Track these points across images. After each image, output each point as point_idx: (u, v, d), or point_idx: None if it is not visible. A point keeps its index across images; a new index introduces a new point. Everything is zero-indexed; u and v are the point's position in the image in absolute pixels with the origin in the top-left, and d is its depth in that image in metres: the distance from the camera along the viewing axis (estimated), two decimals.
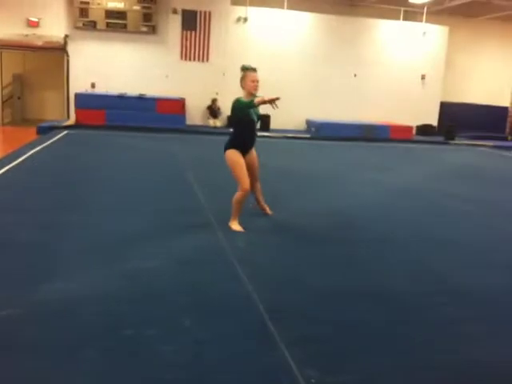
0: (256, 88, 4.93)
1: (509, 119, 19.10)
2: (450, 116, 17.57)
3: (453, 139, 16.52)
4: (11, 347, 2.68)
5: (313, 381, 2.45)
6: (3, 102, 15.51)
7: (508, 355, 2.90)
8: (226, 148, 5.04)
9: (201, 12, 15.69)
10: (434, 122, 18.01)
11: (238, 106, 4.90)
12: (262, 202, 5.59)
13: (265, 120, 15.43)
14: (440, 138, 16.73)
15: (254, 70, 4.95)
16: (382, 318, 3.28)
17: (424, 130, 17.53)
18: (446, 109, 18.07)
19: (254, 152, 5.22)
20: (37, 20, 14.87)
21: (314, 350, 2.81)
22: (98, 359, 2.59)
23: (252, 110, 4.97)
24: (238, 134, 5.04)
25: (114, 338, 2.81)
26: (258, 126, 5.26)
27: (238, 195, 5.01)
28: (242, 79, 4.96)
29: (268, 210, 5.62)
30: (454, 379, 2.64)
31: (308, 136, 15.51)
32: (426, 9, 17.16)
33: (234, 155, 4.97)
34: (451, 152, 14.24)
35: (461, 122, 17.32)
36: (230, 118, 14.02)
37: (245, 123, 4.98)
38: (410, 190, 7.93)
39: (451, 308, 3.50)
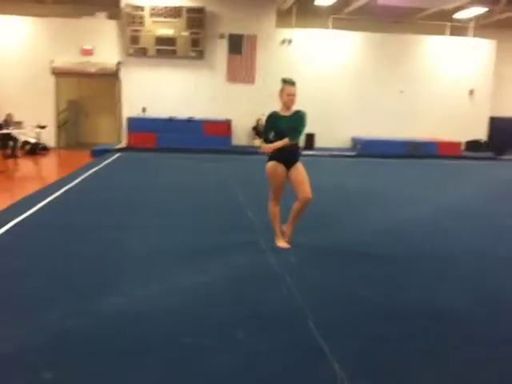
0: (292, 102, 4.99)
1: None
2: (500, 131, 17.18)
3: (503, 155, 16.13)
4: (76, 352, 2.87)
5: None
6: (59, 127, 16.28)
7: None
8: (267, 161, 5.12)
9: (247, 36, 16.08)
10: (484, 138, 17.65)
11: (265, 122, 5.18)
12: (291, 227, 5.21)
13: (310, 138, 15.57)
14: (490, 154, 16.36)
15: (293, 83, 5.00)
16: (435, 337, 3.28)
17: (473, 145, 17.19)
18: (496, 124, 17.69)
19: (298, 168, 5.05)
20: (91, 48, 15.63)
21: (364, 364, 2.87)
22: (157, 364, 2.75)
23: (284, 121, 4.97)
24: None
25: (173, 346, 2.97)
26: (302, 143, 5.30)
27: (269, 211, 5.19)
28: (280, 92, 5.04)
29: (286, 238, 5.22)
30: None
31: (354, 154, 15.50)
32: (473, 23, 16.98)
33: (270, 167, 5.06)
34: (502, 168, 13.90)
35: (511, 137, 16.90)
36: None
37: (276, 134, 5.03)
38: (459, 207, 7.82)
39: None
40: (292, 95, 4.96)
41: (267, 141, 5.11)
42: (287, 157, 5.02)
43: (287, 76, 5.13)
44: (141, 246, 5.05)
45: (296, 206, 5.04)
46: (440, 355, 3.00)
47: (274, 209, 5.18)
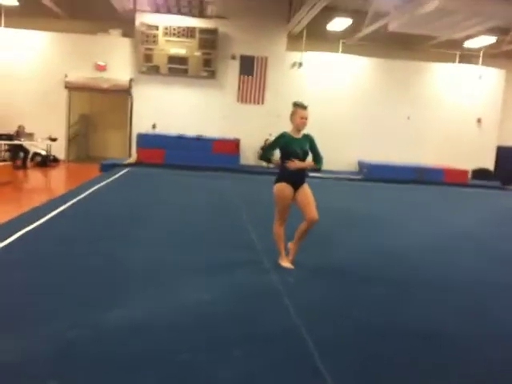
0: (304, 125, 5.11)
1: None
2: (508, 160, 17.23)
3: (510, 184, 16.15)
4: (77, 364, 2.93)
5: None
6: (70, 140, 16.49)
7: None
8: (275, 182, 5.20)
9: (258, 58, 16.33)
10: (491, 167, 17.71)
11: (274, 139, 5.18)
12: (296, 248, 5.29)
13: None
14: (497, 183, 16.39)
15: (305, 107, 5.12)
16: (429, 357, 3.33)
17: (480, 174, 17.25)
18: (503, 153, 17.76)
19: (305, 189, 5.15)
20: (104, 64, 15.91)
21: (357, 381, 2.91)
22: (155, 379, 2.80)
23: (296, 142, 5.08)
24: (282, 166, 5.13)
25: (170, 361, 3.02)
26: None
27: (274, 231, 5.23)
28: (292, 115, 5.14)
29: (290, 258, 5.27)
30: None
31: (359, 177, 15.58)
32: (482, 52, 17.17)
33: (279, 189, 5.10)
34: (508, 197, 13.91)
35: None
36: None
37: (287, 154, 5.08)
38: (464, 233, 7.86)
39: (501, 353, 3.51)
40: (305, 118, 5.08)
41: (267, 157, 5.23)
42: (296, 178, 5.10)
43: (296, 98, 5.25)
44: (143, 261, 5.11)
45: (303, 226, 5.09)
46: (432, 374, 3.03)
47: (278, 229, 5.23)
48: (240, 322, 3.72)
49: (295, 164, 5.01)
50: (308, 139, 5.18)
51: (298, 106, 5.12)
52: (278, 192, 5.11)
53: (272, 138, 5.52)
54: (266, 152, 5.38)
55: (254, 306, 4.06)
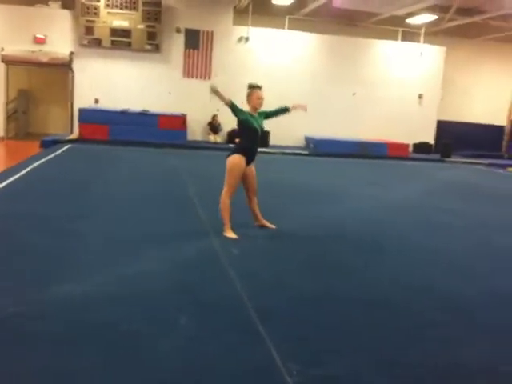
0: (261, 105, 5.40)
1: (505, 137, 19.42)
2: (448, 134, 17.90)
3: (449, 157, 16.80)
4: (17, 341, 2.89)
5: (294, 372, 2.67)
6: (8, 117, 15.85)
7: (480, 357, 3.11)
8: (230, 154, 5.33)
9: (203, 31, 16.11)
10: (431, 141, 18.33)
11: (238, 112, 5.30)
12: (261, 218, 5.75)
13: (264, 136, 15.75)
14: (436, 156, 17.01)
15: (260, 87, 5.41)
16: (367, 320, 3.50)
17: (420, 147, 17.83)
18: (443, 127, 18.43)
19: (253, 167, 5.51)
20: (43, 37, 15.29)
21: (298, 346, 3.02)
22: (97, 351, 2.81)
23: (255, 120, 5.32)
24: (243, 142, 5.39)
25: (114, 334, 3.03)
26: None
27: (222, 201, 5.32)
28: (249, 96, 5.38)
29: (269, 225, 5.76)
30: (431, 377, 2.84)
31: (306, 152, 15.79)
32: (423, 30, 17.59)
33: (236, 160, 5.26)
34: (447, 170, 14.48)
35: (458, 140, 17.64)
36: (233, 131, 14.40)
37: (247, 131, 5.33)
38: (404, 205, 8.15)
39: (433, 314, 3.71)
40: (261, 99, 5.38)
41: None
42: (252, 154, 5.39)
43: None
44: (89, 236, 5.05)
45: (252, 200, 5.61)
46: (370, 339, 3.19)
47: (227, 200, 5.32)
48: (183, 291, 3.76)
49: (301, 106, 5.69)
50: (262, 114, 5.50)
51: (254, 87, 5.40)
52: (234, 163, 5.28)
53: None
54: (249, 119, 5.36)
55: (198, 275, 4.12)
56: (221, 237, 5.22)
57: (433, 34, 17.85)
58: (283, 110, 5.63)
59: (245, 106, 5.42)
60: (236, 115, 5.31)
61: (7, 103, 15.72)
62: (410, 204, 8.25)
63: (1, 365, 2.65)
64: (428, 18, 16.18)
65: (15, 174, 8.31)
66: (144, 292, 3.69)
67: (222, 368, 2.73)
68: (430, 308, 3.81)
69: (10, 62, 15.22)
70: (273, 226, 5.76)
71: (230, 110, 5.28)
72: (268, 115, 5.56)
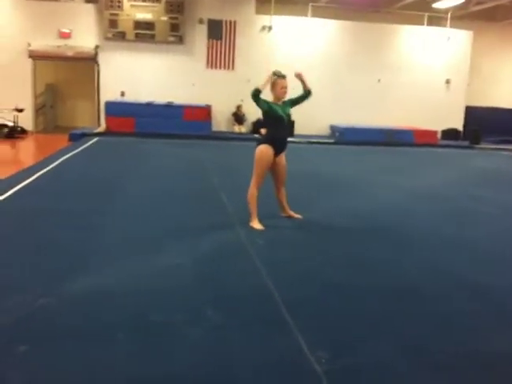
0: (285, 93, 5.36)
1: None
2: (476, 120, 17.56)
3: (478, 144, 16.49)
4: (52, 332, 2.97)
5: (323, 360, 2.69)
6: (37, 111, 16.13)
7: (507, 346, 3.08)
8: (258, 144, 5.33)
9: (226, 21, 16.09)
10: (460, 127, 18.02)
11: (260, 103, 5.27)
12: (288, 209, 5.74)
13: (290, 125, 15.70)
14: (465, 143, 16.72)
15: (284, 77, 5.34)
16: (393, 310, 3.47)
17: (449, 134, 17.54)
18: (472, 113, 18.07)
19: (283, 157, 5.48)
20: (68, 31, 15.48)
21: (325, 335, 3.03)
22: (130, 342, 2.87)
23: (279, 108, 5.30)
24: (270, 131, 5.37)
25: (143, 323, 3.09)
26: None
27: (250, 192, 5.33)
28: (273, 85, 5.33)
29: (295, 215, 5.75)
30: (460, 367, 2.82)
31: (332, 141, 15.69)
32: (450, 14, 17.22)
33: (264, 151, 5.25)
34: (476, 156, 14.23)
35: (486, 126, 17.28)
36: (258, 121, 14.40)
37: (273, 120, 5.30)
38: (432, 193, 8.04)
39: (462, 303, 3.67)
40: (285, 88, 5.34)
41: (258, 92, 5.18)
42: (281, 144, 5.36)
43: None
44: (115, 230, 5.12)
45: (281, 191, 5.60)
46: (397, 327, 3.18)
47: (255, 191, 5.33)
48: (211, 283, 3.80)
49: (301, 75, 5.42)
50: (289, 102, 5.47)
51: (278, 76, 5.32)
52: (261, 153, 5.26)
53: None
54: (271, 107, 5.33)
55: (225, 267, 4.15)
56: (247, 228, 5.25)
57: (459, 18, 17.47)
58: (305, 93, 5.50)
59: (269, 96, 5.41)
60: (258, 105, 5.28)
61: (35, 98, 15.99)
62: (439, 192, 8.13)
63: (43, 359, 2.71)
64: (454, 1, 15.82)
65: (44, 167, 8.47)
66: (172, 284, 3.74)
67: (249, 358, 2.75)
68: (458, 297, 3.77)
69: (36, 57, 15.46)
70: (299, 216, 5.75)
71: (253, 101, 5.27)
72: (294, 102, 5.50)
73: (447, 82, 17.75)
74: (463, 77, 17.83)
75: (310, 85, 5.53)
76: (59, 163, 9.12)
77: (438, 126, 17.23)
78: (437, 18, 17.69)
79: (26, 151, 12.79)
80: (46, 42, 15.35)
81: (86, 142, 12.36)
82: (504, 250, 5.18)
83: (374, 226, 5.83)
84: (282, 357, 2.77)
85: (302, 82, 5.48)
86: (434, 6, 16.43)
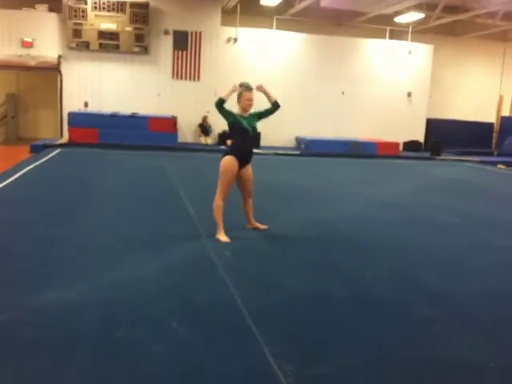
0: (251, 106, 5.38)
1: (494, 134, 19.54)
2: (437, 132, 18.00)
3: (439, 155, 16.87)
4: (13, 347, 2.88)
5: (289, 373, 2.68)
6: None
7: (470, 353, 3.13)
8: (224, 155, 5.33)
9: (192, 32, 16.07)
10: (421, 139, 18.41)
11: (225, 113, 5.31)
12: (253, 220, 5.75)
13: (255, 137, 15.75)
14: (426, 154, 17.09)
15: (251, 89, 5.36)
16: (358, 318, 3.51)
17: (411, 146, 17.91)
18: (433, 125, 18.51)
19: (249, 168, 5.49)
20: (31, 40, 15.18)
21: (291, 347, 3.03)
22: (92, 357, 2.80)
23: (244, 120, 5.31)
24: (235, 143, 5.38)
25: (107, 338, 3.02)
26: None
27: (215, 203, 5.31)
28: (239, 97, 5.35)
29: (261, 226, 5.76)
30: (425, 373, 2.86)
31: (298, 153, 15.82)
32: (411, 28, 17.67)
33: (228, 162, 5.25)
34: (437, 167, 14.55)
35: (447, 138, 17.72)
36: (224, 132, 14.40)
37: (238, 131, 5.32)
38: (395, 203, 8.19)
39: (426, 311, 3.73)
40: (251, 100, 5.35)
41: (222, 101, 5.22)
42: (246, 156, 5.37)
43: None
44: (78, 242, 5.01)
45: (248, 202, 5.60)
46: (363, 337, 3.20)
47: (220, 203, 5.31)
48: (176, 295, 3.76)
49: (262, 87, 5.46)
50: (255, 115, 5.48)
51: (245, 88, 5.34)
52: (226, 165, 5.25)
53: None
54: (236, 119, 5.36)
55: (191, 279, 4.11)
56: (214, 239, 5.22)
57: (420, 32, 17.93)
58: (273, 106, 5.51)
59: (236, 108, 5.42)
60: (222, 115, 5.32)
61: None
62: (401, 202, 8.29)
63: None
64: (415, 16, 16.27)
65: (5, 179, 8.25)
66: (136, 296, 3.68)
67: (215, 371, 2.73)
68: (421, 305, 3.83)
69: None
70: (265, 227, 5.77)
71: (218, 111, 5.28)
72: (261, 115, 5.52)
73: (409, 94, 18.14)
74: (424, 89, 18.27)
75: (276, 97, 5.55)
76: (20, 175, 8.89)
77: (400, 138, 17.56)
78: (399, 32, 18.12)
79: None
80: (8, 51, 15.01)
81: (48, 154, 12.10)
82: (466, 258, 5.30)
83: (338, 234, 5.90)
84: (249, 370, 2.76)
85: (266, 94, 5.51)
86: (396, 20, 16.84)
